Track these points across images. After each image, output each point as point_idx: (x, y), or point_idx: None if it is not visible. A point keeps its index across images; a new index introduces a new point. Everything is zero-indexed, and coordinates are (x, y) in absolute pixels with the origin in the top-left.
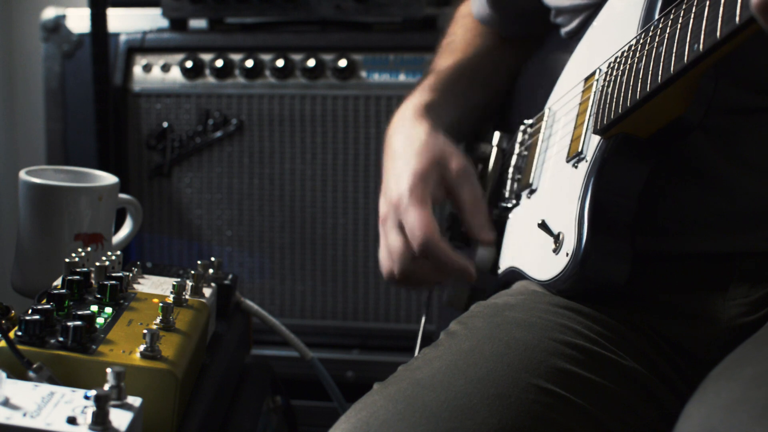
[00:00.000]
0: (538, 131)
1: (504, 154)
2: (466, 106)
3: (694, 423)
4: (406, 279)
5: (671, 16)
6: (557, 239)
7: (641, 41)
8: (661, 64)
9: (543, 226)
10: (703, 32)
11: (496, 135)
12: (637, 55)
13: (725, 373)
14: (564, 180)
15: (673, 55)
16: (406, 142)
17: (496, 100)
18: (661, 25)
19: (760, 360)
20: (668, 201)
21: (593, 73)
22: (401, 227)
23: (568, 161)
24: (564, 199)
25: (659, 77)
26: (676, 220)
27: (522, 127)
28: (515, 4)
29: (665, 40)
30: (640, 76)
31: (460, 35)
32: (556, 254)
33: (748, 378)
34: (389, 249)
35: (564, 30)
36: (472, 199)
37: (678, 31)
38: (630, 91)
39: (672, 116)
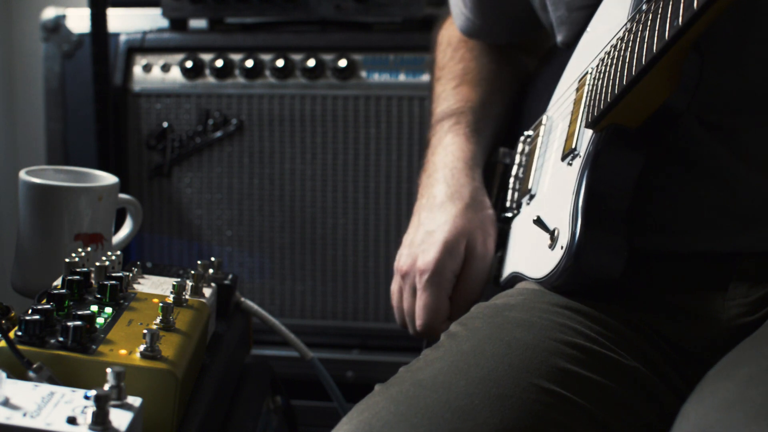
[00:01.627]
0: (536, 138)
1: (506, 169)
2: (497, 130)
3: (691, 422)
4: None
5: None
6: (552, 235)
7: (628, 29)
8: (645, 46)
9: (539, 222)
10: (682, 6)
11: (500, 151)
12: (624, 43)
13: (722, 373)
14: (560, 179)
15: (656, 35)
16: (448, 199)
17: (509, 105)
18: (645, 9)
19: (756, 360)
20: (670, 199)
21: (586, 73)
22: (415, 294)
23: (563, 160)
24: (559, 197)
25: (643, 59)
26: (678, 218)
27: (522, 138)
28: (503, 11)
29: (648, 24)
30: (627, 63)
31: (471, 61)
32: (552, 250)
33: (744, 378)
34: (405, 306)
35: (559, 40)
36: (468, 292)
37: (660, 11)
38: (617, 79)
39: (659, 102)
